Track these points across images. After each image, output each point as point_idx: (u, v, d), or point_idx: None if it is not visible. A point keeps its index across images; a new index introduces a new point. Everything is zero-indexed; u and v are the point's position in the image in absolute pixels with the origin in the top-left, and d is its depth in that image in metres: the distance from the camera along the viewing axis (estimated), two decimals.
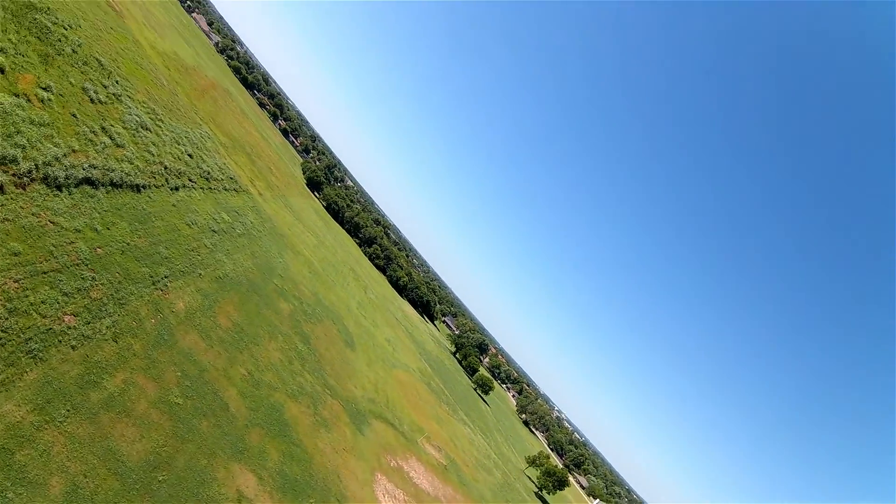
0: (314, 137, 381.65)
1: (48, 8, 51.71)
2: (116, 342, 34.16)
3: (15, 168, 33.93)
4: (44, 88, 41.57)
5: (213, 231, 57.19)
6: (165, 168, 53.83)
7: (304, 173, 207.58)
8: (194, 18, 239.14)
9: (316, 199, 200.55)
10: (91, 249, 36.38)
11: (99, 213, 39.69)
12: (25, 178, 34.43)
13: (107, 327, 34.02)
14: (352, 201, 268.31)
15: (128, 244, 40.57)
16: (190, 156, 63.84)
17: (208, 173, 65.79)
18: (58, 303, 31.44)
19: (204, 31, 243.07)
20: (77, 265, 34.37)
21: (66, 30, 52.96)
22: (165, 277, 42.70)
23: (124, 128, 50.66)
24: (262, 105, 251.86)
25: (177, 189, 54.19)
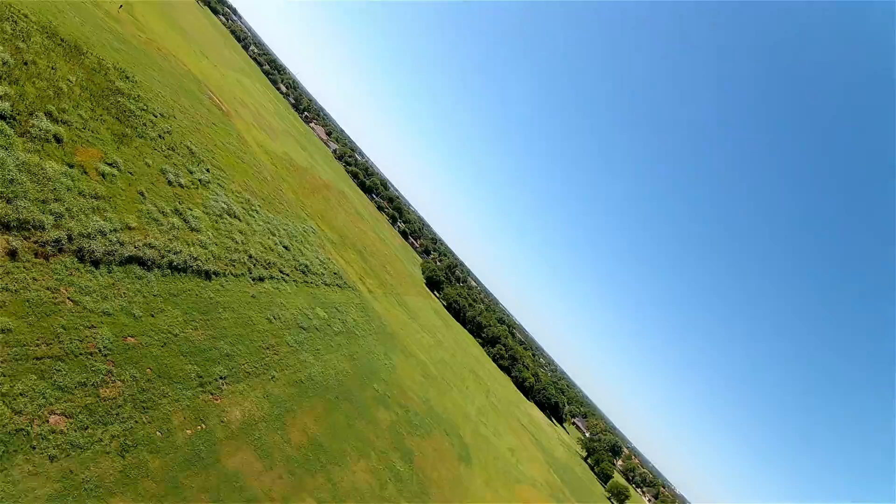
0: (435, 240, 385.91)
1: (138, 96, 48.31)
2: (123, 457, 22.63)
3: (38, 235, 25.96)
4: (109, 164, 35.27)
5: (302, 328, 46.89)
6: (250, 257, 45.55)
7: (423, 273, 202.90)
8: (312, 128, 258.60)
9: (436, 299, 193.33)
10: (118, 338, 26.44)
11: (144, 297, 30.45)
12: (50, 248, 26.33)
13: (112, 436, 22.79)
14: (474, 300, 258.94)
15: (174, 335, 30.47)
16: (286, 247, 56.25)
17: (306, 266, 57.60)
18: (44, 397, 21.14)
19: (322, 139, 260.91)
20: (89, 355, 24.32)
21: (156, 117, 49.10)
22: (221, 378, 31.67)
23: (204, 212, 43.62)
24: (380, 208, 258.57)
25: (261, 280, 45.27)
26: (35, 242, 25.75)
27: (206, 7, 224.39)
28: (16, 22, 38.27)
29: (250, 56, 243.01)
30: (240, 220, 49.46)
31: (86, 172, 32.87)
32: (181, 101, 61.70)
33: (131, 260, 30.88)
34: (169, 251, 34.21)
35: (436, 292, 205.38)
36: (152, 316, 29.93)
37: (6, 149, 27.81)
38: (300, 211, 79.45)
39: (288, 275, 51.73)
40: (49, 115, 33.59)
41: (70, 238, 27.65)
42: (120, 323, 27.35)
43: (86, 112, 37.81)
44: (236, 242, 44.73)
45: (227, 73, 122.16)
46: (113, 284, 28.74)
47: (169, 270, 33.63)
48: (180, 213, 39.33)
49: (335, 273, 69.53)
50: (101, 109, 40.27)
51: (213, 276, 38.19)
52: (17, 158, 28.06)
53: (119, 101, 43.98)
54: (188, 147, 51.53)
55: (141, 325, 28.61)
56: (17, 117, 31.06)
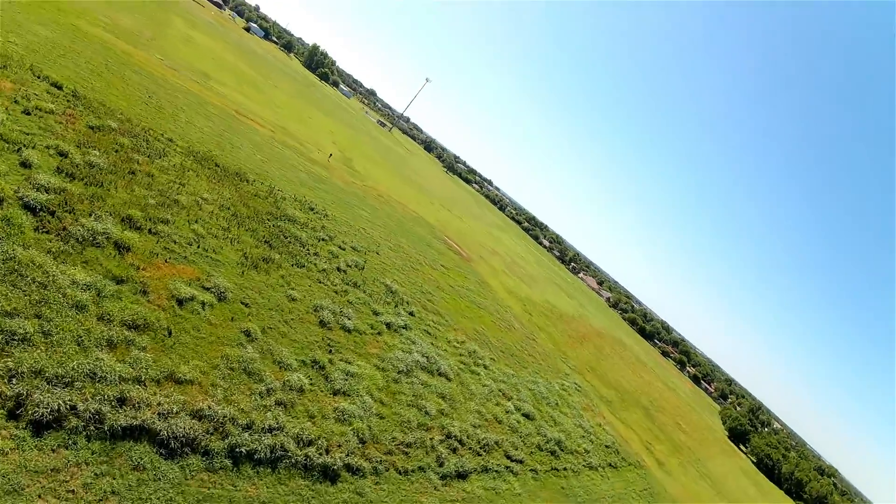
0: (729, 381, 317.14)
1: (322, 227, 36.98)
2: None
3: None
4: (205, 288, 21.16)
5: None
6: (448, 436, 25.06)
7: (723, 423, 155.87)
8: (581, 279, 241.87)
9: (742, 455, 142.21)
10: None
11: None
12: None
13: None
14: (786, 449, 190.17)
15: None
16: (527, 416, 34.45)
17: (559, 443, 34.09)
18: None
19: (593, 288, 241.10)
20: None
21: (341, 249, 36.64)
22: None
23: (376, 366, 25.91)
24: (664, 354, 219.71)
25: (461, 476, 23.56)
26: None
27: (454, 175, 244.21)
28: (147, 140, 30.60)
29: (507, 216, 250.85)
30: (447, 378, 30.54)
31: (144, 293, 18.80)
32: (396, 239, 50.50)
33: (126, 433, 13.69)
34: (248, 427, 16.44)
35: (742, 446, 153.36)
36: None
37: None
38: (561, 364, 57.92)
39: (521, 461, 29.02)
40: (128, 219, 21.86)
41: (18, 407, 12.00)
42: None
43: (209, 228, 25.91)
44: (424, 414, 25.21)
45: (474, 223, 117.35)
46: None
47: (228, 460, 15.38)
48: (319, 366, 22.26)
49: (608, 446, 43.44)
50: (241, 230, 28.41)
51: (349, 475, 18.48)
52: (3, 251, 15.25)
53: (279, 226, 32.41)
54: (386, 285, 37.16)
55: None
56: (59, 212, 19.50)
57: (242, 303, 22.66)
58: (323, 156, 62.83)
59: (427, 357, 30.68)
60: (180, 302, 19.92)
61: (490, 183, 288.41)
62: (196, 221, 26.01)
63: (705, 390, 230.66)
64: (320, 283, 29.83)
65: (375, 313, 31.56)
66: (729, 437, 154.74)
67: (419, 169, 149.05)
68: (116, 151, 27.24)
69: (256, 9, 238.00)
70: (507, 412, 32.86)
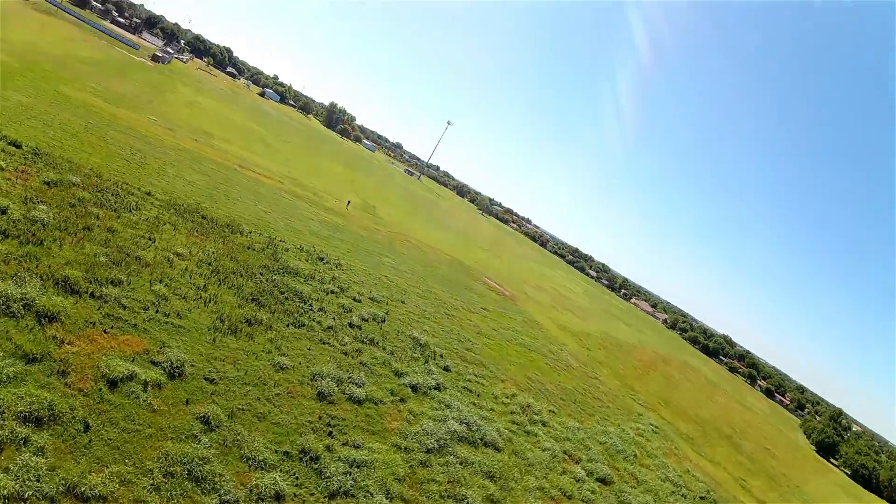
0: (801, 389, 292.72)
1: (333, 278, 31.71)
2: None
3: None
4: (154, 363, 15.59)
5: None
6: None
7: (808, 437, 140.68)
8: (634, 304, 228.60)
9: (835, 469, 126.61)
10: None
11: None
12: None
13: None
14: (876, 453, 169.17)
15: None
16: (602, 480, 27.01)
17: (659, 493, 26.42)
18: None
19: (647, 311, 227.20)
20: None
21: (356, 302, 31.13)
22: None
23: (395, 447, 19.56)
24: (732, 370, 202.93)
25: None
26: None
27: (491, 217, 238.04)
28: (117, 194, 26.32)
29: (549, 251, 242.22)
30: (496, 448, 23.75)
31: (62, 374, 13.56)
32: (426, 285, 44.79)
33: None
34: None
35: (832, 459, 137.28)
36: None
37: None
38: (630, 401, 49.98)
39: None
40: (63, 282, 17.14)
41: None
42: None
43: (176, 288, 20.75)
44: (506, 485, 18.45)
45: (515, 261, 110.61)
46: None
47: None
48: (310, 457, 15.99)
49: (703, 497, 34.98)
50: (222, 288, 23.15)
51: None
52: None
53: (275, 280, 27.09)
54: (413, 337, 31.11)
55: None
56: None
57: (206, 378, 17.02)
58: (340, 204, 58.44)
59: (467, 424, 24.11)
60: (112, 383, 14.58)
61: (528, 221, 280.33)
62: (161, 281, 20.95)
63: (780, 403, 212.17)
64: (324, 343, 24.04)
65: (398, 374, 25.41)
66: (817, 452, 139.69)
67: (452, 213, 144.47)
68: (73, 206, 23.31)
69: (275, 78, 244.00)
70: (578, 481, 25.60)
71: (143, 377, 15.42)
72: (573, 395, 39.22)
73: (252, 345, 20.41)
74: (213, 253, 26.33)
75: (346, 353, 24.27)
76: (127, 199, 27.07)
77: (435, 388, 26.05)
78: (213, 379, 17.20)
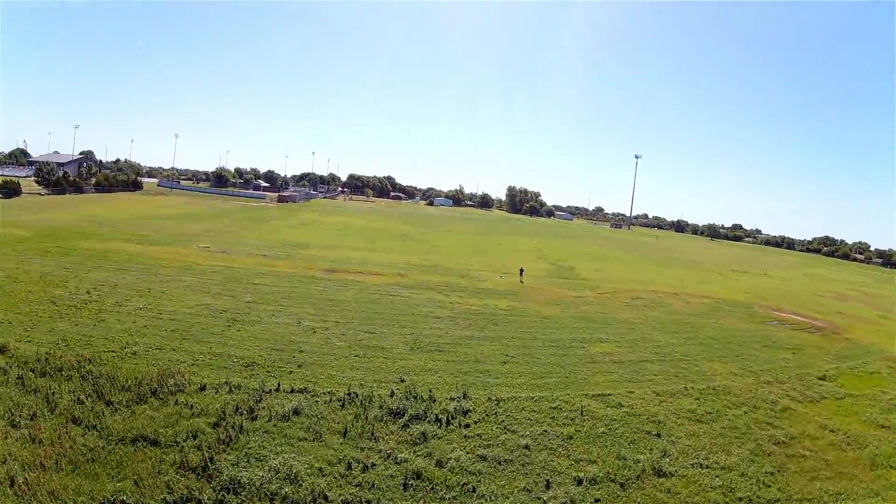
0: None
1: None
2: None
3: None
4: None
5: None
6: None
7: None
8: None
9: None
10: None
11: None
12: None
13: None
14: None
15: None
16: None
17: None
18: None
19: None
20: None
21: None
22: None
23: None
24: None
25: None
26: None
27: (719, 239, 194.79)
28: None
29: (799, 251, 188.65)
30: None
31: None
32: (701, 366, 26.11)
33: None
34: None
35: None
36: None
37: None
38: None
39: None
40: None
41: None
42: None
43: None
44: None
45: (786, 274, 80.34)
46: None
47: None
48: None
49: None
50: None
51: None
52: None
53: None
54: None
55: None
56: None
57: None
58: (504, 281, 43.41)
59: None
60: None
61: (759, 231, 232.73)
62: None
63: None
64: None
65: None
66: None
67: (677, 247, 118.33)
68: None
69: (460, 189, 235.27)
70: None
71: None
72: None
73: None
74: None
75: None
76: None
77: None
78: None
